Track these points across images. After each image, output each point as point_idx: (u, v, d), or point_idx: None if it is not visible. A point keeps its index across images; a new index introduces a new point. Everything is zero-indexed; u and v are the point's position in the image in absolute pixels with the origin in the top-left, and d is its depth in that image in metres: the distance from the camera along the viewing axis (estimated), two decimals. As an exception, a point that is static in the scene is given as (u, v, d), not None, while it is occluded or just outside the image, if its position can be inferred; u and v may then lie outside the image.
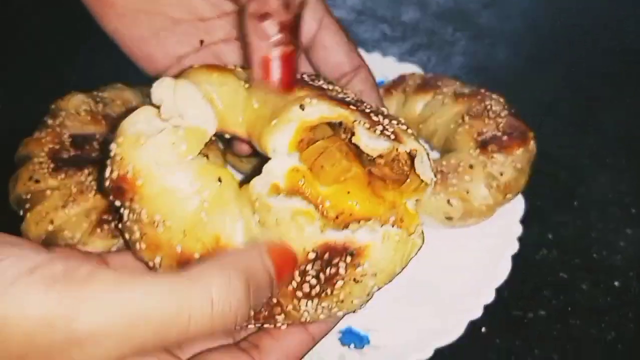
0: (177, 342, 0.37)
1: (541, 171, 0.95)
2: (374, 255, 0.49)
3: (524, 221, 0.85)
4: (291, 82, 0.54)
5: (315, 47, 0.63)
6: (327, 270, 0.49)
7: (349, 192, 0.53)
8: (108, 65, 1.14)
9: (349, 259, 0.49)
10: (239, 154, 0.75)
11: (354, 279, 0.50)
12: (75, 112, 0.86)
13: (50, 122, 0.85)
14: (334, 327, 0.57)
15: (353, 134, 0.52)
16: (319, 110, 0.52)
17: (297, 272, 0.50)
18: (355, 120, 0.52)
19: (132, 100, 0.92)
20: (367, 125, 0.52)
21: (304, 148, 0.53)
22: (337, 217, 0.52)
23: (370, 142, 0.51)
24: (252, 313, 0.55)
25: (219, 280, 0.36)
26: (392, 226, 0.51)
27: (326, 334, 0.55)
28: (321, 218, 0.50)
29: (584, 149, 1.02)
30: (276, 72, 0.53)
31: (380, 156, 0.53)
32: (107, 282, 0.33)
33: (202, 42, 0.66)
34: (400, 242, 0.51)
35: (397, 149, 0.53)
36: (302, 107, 0.52)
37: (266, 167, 0.52)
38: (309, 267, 0.49)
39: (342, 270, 0.50)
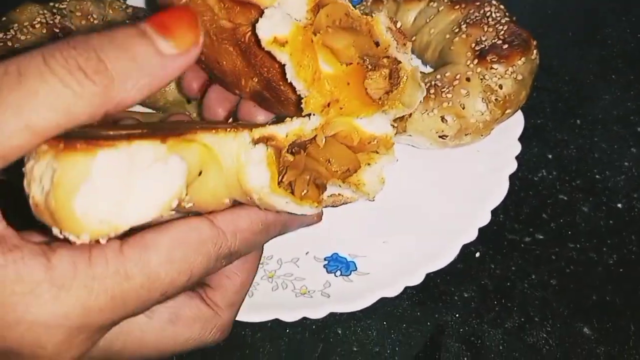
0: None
1: (542, 87, 0.89)
2: None
3: (522, 140, 0.79)
4: None
5: None
6: None
7: (349, 84, 0.49)
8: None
9: None
10: (187, 93, 0.65)
11: None
12: (29, 24, 0.78)
13: (1, 35, 0.76)
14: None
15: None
16: None
17: None
18: (374, 12, 0.50)
19: (94, 12, 0.83)
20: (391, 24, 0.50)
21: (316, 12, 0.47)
22: (328, 105, 0.48)
23: (386, 34, 0.49)
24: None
25: None
26: None
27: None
28: None
29: (588, 64, 0.94)
30: None
31: (387, 57, 0.50)
32: None
33: None
34: None
35: (397, 60, 0.50)
36: None
37: (268, 11, 0.44)
38: None
39: None
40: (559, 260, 0.75)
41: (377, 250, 0.72)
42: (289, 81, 0.47)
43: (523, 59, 0.73)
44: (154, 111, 0.83)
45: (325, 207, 0.50)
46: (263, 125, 0.44)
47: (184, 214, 0.44)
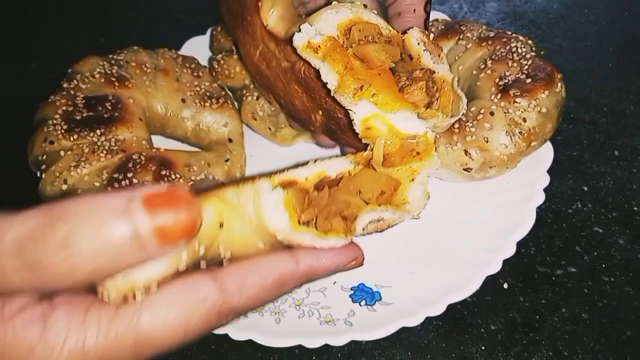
0: None
1: (578, 119, 0.89)
2: None
3: (556, 172, 0.79)
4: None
5: None
6: None
7: (380, 75, 0.52)
8: (134, 30, 1.16)
9: None
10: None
11: None
12: (90, 74, 0.87)
13: (65, 85, 0.86)
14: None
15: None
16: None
17: None
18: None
19: (147, 62, 0.91)
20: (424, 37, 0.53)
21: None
22: (360, 88, 0.51)
23: (417, 46, 0.53)
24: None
25: None
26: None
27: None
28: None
29: (628, 94, 0.93)
30: None
31: (422, 69, 0.52)
32: None
33: None
34: None
35: (431, 70, 0.53)
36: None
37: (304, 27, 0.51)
38: None
39: None
40: (592, 293, 0.74)
41: (403, 280, 0.73)
42: (330, 90, 0.51)
43: (547, 92, 0.74)
44: (199, 149, 0.89)
45: (369, 234, 0.49)
46: (282, 170, 0.46)
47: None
